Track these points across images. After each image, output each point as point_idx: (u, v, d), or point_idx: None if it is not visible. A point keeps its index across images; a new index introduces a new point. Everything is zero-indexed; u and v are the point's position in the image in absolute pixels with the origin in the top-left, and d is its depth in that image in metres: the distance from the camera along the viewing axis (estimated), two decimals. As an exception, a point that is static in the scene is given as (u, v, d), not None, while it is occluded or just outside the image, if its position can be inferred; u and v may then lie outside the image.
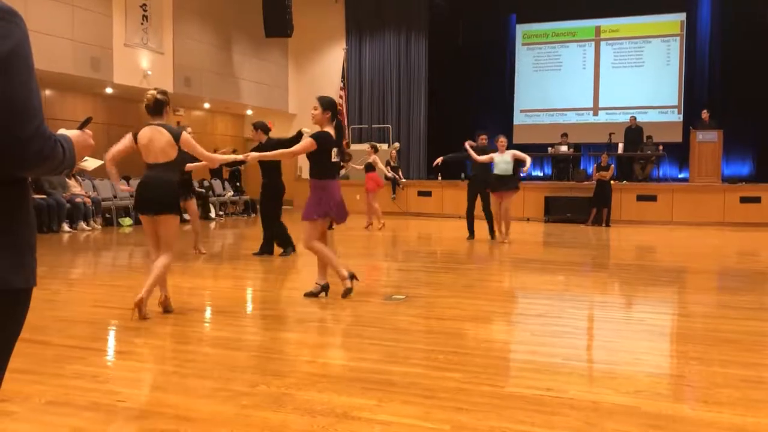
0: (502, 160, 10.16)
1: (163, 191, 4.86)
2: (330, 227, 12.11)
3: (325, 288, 5.70)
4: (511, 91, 18.97)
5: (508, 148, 10.39)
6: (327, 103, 5.58)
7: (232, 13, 16.13)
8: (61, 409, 3.00)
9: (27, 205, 1.55)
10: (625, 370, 3.68)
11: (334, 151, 5.55)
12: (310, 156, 5.48)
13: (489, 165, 10.29)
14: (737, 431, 2.82)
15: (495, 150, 10.34)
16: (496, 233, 10.49)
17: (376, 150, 12.62)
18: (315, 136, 5.45)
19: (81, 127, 1.73)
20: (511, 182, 10.19)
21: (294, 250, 8.37)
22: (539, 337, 4.46)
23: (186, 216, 8.55)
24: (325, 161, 5.50)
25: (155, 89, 5.21)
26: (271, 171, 8.23)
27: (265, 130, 8.20)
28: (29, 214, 1.55)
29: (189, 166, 7.97)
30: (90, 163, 2.09)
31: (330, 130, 5.53)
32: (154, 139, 4.91)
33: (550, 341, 4.34)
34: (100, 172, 11.06)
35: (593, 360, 4.06)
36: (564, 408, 3.05)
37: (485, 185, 10.45)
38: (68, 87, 13.04)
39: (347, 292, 5.60)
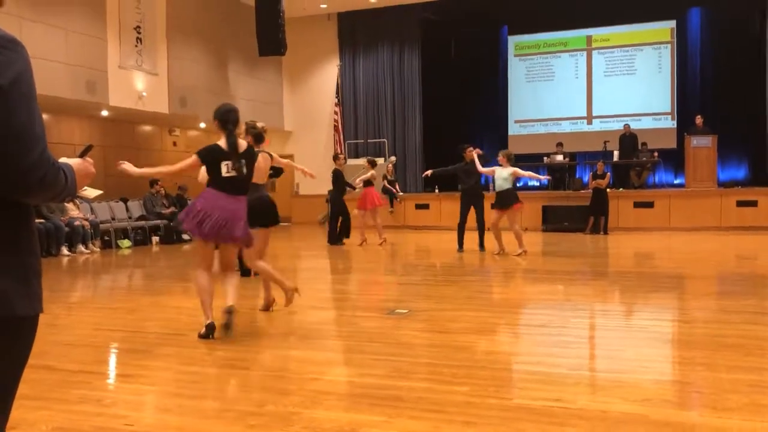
0: (499, 176, 10.17)
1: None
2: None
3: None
4: (504, 102, 19.05)
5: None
6: (215, 113, 5.08)
7: (225, 32, 16.21)
8: (68, 435, 2.99)
9: (31, 231, 1.55)
10: (632, 378, 3.68)
11: (228, 164, 4.91)
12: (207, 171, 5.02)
13: (481, 177, 10.32)
14: (747, 437, 2.81)
15: (496, 164, 10.37)
16: (498, 247, 10.43)
17: (374, 165, 12.59)
18: (199, 150, 5.02)
19: (82, 155, 1.74)
20: (511, 197, 10.15)
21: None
22: (544, 348, 4.45)
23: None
24: (210, 175, 4.94)
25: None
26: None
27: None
28: (34, 240, 1.55)
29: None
30: (90, 192, 2.10)
31: (221, 142, 4.98)
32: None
33: (555, 351, 4.33)
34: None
35: (599, 369, 4.05)
36: (573, 419, 3.04)
37: (478, 198, 10.46)
38: (64, 110, 13.06)
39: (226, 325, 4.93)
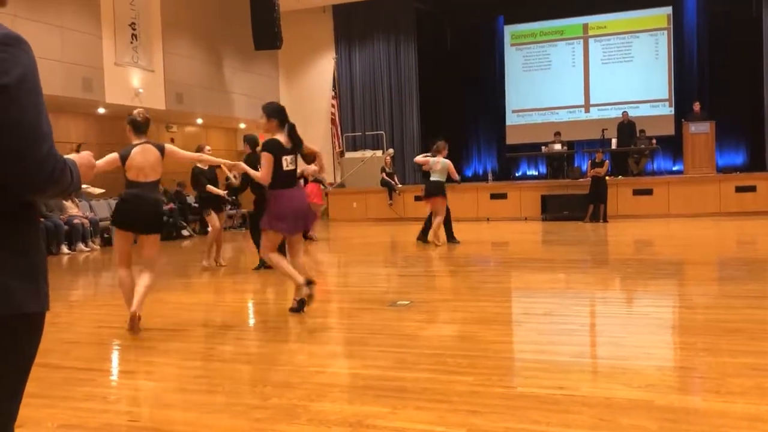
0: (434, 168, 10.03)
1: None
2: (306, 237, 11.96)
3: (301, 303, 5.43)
4: (501, 92, 19.02)
5: (506, 149, 10.44)
6: (270, 111, 5.24)
7: (220, 27, 16.14)
8: (75, 432, 2.99)
9: (37, 229, 1.56)
10: (635, 364, 3.68)
11: (287, 159, 5.20)
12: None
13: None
14: (752, 420, 2.82)
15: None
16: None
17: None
18: (262, 148, 5.21)
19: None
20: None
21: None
22: (547, 336, 4.46)
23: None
24: (274, 170, 5.16)
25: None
26: (259, 185, 8.11)
27: (252, 144, 8.13)
28: (39, 238, 1.56)
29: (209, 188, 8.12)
30: (93, 189, 2.10)
31: (281, 137, 5.21)
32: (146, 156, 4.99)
33: (558, 339, 4.34)
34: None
35: (602, 356, 4.05)
36: (577, 406, 3.05)
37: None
38: (60, 108, 13.02)
39: (308, 300, 5.28)
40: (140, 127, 5.08)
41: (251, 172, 5.55)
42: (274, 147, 5.16)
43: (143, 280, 5.03)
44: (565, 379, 3.44)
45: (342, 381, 3.64)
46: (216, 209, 8.68)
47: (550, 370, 3.61)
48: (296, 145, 5.28)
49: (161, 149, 5.07)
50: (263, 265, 8.20)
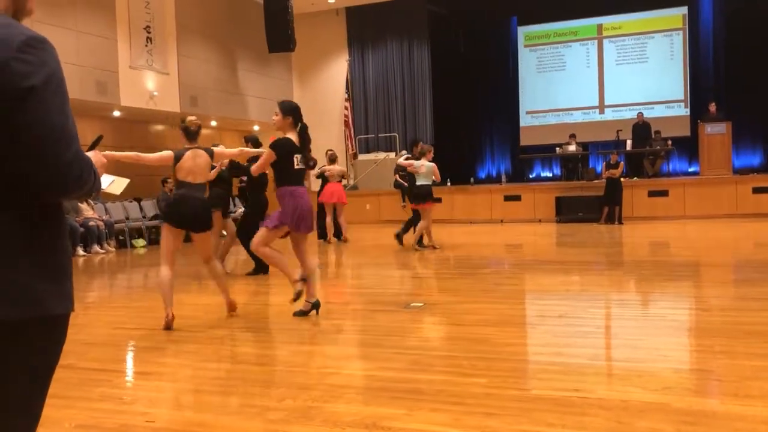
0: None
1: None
2: (326, 240, 11.95)
3: (315, 305, 5.38)
4: (515, 94, 18.97)
5: (519, 150, 10.36)
6: (287, 108, 5.29)
7: (234, 30, 16.22)
8: (91, 433, 3.01)
9: (63, 231, 1.57)
10: (652, 367, 3.66)
11: (297, 157, 5.23)
12: (273, 164, 5.24)
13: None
14: (771, 424, 2.79)
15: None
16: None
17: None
18: (272, 144, 5.25)
19: (93, 147, 1.75)
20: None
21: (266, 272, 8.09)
22: (562, 338, 4.43)
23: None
24: (283, 168, 5.20)
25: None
26: (256, 186, 8.16)
27: (254, 143, 8.13)
28: (65, 240, 1.57)
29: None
30: (117, 185, 2.08)
31: (292, 136, 5.23)
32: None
33: (574, 342, 4.32)
34: (109, 195, 11.13)
35: (618, 359, 4.03)
36: (593, 408, 3.03)
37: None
38: (76, 111, 12.88)
39: (298, 295, 5.27)
40: (192, 134, 5.43)
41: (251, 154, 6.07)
42: (285, 145, 5.20)
43: (215, 271, 5.55)
44: (580, 382, 3.42)
45: (356, 382, 3.64)
46: (224, 213, 8.61)
47: (566, 373, 3.59)
48: (305, 146, 5.29)
49: (210, 153, 5.46)
50: (260, 270, 8.09)
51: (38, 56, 1.44)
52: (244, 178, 8.52)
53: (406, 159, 10.43)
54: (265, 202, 8.25)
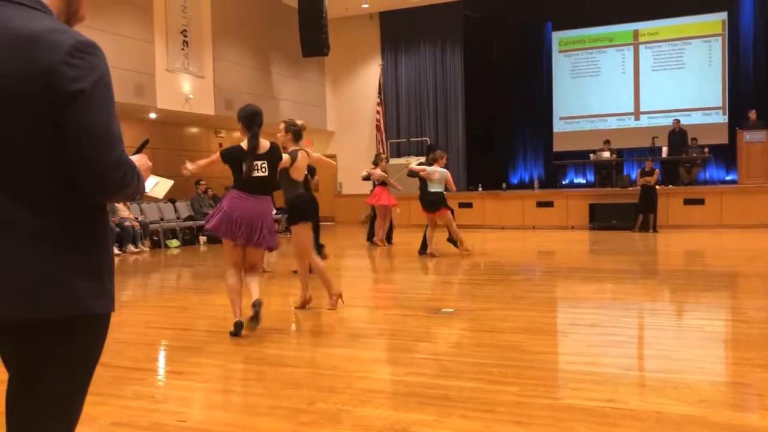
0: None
1: None
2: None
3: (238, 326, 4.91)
4: (549, 99, 18.82)
5: (552, 156, 10.23)
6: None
7: (269, 34, 16.37)
8: (125, 430, 3.06)
9: (106, 231, 1.59)
10: (688, 379, 3.58)
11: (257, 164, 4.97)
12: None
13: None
14: (812, 441, 2.71)
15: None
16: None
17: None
18: (221, 151, 5.18)
19: (139, 150, 1.78)
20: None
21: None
22: (595, 348, 4.37)
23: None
24: (234, 173, 5.00)
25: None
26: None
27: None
28: (108, 239, 1.60)
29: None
30: (161, 188, 2.10)
31: (244, 143, 4.98)
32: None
33: (607, 351, 4.25)
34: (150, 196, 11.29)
35: (653, 369, 3.95)
36: (626, 419, 2.98)
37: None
38: (114, 114, 13.38)
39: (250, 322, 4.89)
40: (301, 136, 5.77)
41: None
42: (232, 152, 5.02)
43: (317, 265, 5.81)
44: (613, 392, 3.36)
45: (386, 387, 3.64)
46: None
47: (598, 382, 3.54)
48: (250, 152, 4.96)
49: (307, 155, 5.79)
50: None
51: (88, 61, 1.47)
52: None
53: (419, 165, 10.38)
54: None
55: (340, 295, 5.85)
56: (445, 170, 9.73)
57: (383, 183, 11.66)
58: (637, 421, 2.96)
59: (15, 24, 1.46)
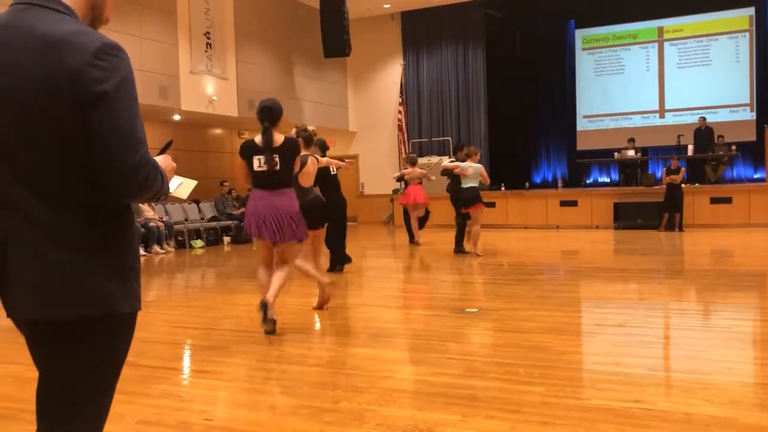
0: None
1: None
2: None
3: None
4: (572, 98, 18.67)
5: (576, 155, 10.13)
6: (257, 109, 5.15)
7: (291, 35, 16.45)
8: (153, 429, 3.08)
9: (131, 230, 1.61)
10: (718, 379, 3.53)
11: (260, 159, 4.93)
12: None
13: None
14: None
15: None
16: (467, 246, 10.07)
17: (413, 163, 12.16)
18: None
19: (163, 151, 1.79)
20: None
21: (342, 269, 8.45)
22: (622, 348, 4.32)
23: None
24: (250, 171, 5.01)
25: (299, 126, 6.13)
26: (332, 188, 8.24)
27: (321, 147, 8.14)
28: (133, 239, 1.61)
29: None
30: (185, 188, 2.12)
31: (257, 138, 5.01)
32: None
33: (634, 351, 4.20)
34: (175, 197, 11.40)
35: (682, 370, 3.90)
36: (655, 420, 2.94)
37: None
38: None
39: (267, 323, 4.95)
40: (311, 141, 5.99)
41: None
42: (246, 147, 5.04)
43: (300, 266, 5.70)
44: (641, 393, 3.32)
45: (410, 387, 3.63)
46: None
47: (625, 383, 3.49)
48: (267, 147, 4.97)
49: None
50: (338, 266, 8.34)
51: (112, 62, 1.49)
52: None
53: (451, 161, 10.35)
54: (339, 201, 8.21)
55: (328, 299, 5.89)
56: (479, 165, 9.74)
57: (419, 182, 11.66)
58: (666, 422, 2.92)
59: (41, 27, 1.48)
